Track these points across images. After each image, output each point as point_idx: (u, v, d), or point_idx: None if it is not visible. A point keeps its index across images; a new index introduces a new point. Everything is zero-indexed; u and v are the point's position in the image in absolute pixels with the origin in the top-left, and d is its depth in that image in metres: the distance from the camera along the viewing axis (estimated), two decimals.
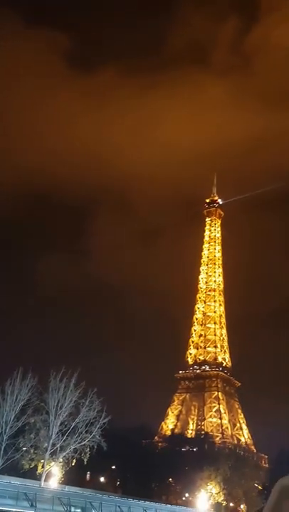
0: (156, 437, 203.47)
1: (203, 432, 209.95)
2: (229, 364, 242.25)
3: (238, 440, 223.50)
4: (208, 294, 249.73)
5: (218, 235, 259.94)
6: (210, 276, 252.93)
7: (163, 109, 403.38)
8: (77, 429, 78.55)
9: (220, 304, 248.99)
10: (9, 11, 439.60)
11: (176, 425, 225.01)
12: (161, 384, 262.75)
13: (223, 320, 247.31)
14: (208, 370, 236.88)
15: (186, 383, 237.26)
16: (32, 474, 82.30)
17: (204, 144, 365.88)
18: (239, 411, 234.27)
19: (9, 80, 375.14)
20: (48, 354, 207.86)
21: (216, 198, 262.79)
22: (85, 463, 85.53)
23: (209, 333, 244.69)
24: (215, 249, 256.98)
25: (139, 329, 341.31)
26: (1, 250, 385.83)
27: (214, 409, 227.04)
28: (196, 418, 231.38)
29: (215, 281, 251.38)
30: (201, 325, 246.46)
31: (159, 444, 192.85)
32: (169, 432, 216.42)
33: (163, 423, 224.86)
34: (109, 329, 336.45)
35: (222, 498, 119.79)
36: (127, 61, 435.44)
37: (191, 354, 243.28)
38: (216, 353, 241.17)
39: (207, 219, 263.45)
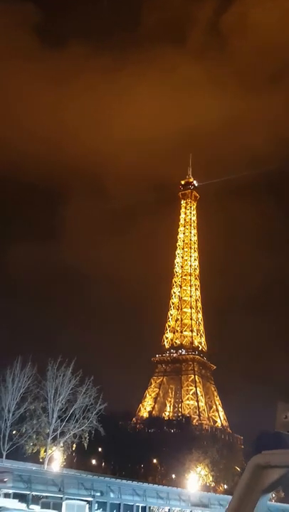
0: (133, 419, 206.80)
1: (180, 414, 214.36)
2: (205, 348, 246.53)
3: (214, 422, 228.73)
4: (184, 279, 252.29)
5: (194, 218, 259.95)
6: (186, 260, 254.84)
7: (135, 85, 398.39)
8: (74, 416, 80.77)
9: (196, 289, 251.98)
10: None
11: (153, 407, 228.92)
12: (139, 368, 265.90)
13: (199, 304, 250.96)
14: (184, 354, 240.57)
15: (163, 367, 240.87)
16: (34, 459, 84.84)
17: (179, 125, 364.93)
18: (215, 393, 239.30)
19: None
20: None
21: (191, 179, 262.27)
22: (86, 448, 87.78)
23: (185, 318, 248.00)
24: (190, 232, 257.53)
25: (113, 314, 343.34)
26: None
27: (191, 392, 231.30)
28: (172, 401, 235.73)
29: (191, 265, 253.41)
30: (178, 309, 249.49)
31: (137, 426, 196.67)
32: (146, 414, 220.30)
33: (141, 405, 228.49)
34: (85, 313, 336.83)
35: (210, 479, 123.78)
36: (100, 37, 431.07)
37: (167, 338, 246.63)
38: (192, 337, 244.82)
39: (182, 201, 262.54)
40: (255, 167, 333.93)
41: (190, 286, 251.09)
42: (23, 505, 37.55)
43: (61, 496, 44.20)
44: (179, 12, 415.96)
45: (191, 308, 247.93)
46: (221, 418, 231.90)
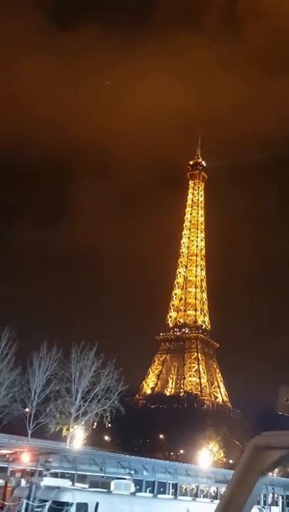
0: (136, 395, 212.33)
1: (182, 390, 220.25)
2: (208, 327, 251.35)
3: (215, 397, 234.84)
4: (190, 259, 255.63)
5: (202, 198, 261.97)
6: (192, 240, 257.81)
7: (147, 66, 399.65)
8: (96, 396, 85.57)
9: (201, 269, 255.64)
10: None
11: (156, 384, 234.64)
12: (143, 346, 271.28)
13: (204, 284, 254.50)
14: (188, 333, 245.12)
15: (167, 345, 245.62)
16: (57, 437, 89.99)
17: (190, 107, 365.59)
18: (217, 370, 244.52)
19: None
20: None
21: (199, 160, 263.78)
22: (107, 426, 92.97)
23: (190, 297, 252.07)
24: (198, 213, 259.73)
25: (117, 294, 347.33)
26: None
27: (194, 369, 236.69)
28: (175, 377, 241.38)
29: (197, 246, 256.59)
30: (182, 289, 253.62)
31: (140, 402, 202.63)
32: (149, 391, 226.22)
33: (144, 382, 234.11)
34: (93, 293, 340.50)
35: (222, 455, 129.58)
36: (113, 17, 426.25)
37: (171, 317, 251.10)
38: (195, 316, 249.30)
39: (190, 182, 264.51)
40: (264, 151, 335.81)
41: (196, 266, 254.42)
42: (76, 485, 41.35)
43: (102, 475, 48.49)
44: None
45: (196, 287, 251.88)
46: (222, 394, 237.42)
